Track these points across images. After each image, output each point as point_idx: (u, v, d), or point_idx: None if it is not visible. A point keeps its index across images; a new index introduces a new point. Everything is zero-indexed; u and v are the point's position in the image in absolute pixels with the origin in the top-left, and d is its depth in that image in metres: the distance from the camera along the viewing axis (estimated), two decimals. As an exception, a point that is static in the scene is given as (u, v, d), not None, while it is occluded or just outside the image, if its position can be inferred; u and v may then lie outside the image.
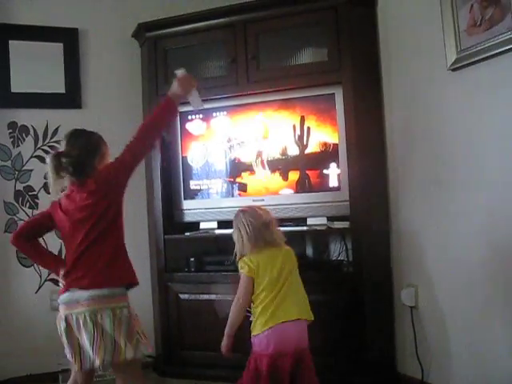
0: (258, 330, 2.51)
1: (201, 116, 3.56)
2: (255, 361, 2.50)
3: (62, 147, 2.34)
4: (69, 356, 2.25)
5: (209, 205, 3.56)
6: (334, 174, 3.24)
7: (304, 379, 2.47)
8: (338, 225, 3.24)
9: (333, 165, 3.23)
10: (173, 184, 3.66)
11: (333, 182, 3.24)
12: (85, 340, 2.18)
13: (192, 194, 3.62)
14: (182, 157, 3.62)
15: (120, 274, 2.27)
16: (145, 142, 2.33)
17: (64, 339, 2.23)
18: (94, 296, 2.18)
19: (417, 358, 3.06)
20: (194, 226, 3.61)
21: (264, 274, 2.54)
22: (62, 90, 3.73)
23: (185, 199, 3.62)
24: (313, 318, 2.59)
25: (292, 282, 2.57)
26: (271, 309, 2.50)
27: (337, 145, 3.22)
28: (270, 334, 2.48)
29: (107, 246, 2.25)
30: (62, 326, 2.23)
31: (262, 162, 3.43)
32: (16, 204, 3.64)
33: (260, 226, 2.59)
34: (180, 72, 2.48)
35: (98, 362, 2.16)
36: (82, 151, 2.28)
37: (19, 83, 3.65)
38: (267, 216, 2.64)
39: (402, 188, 3.19)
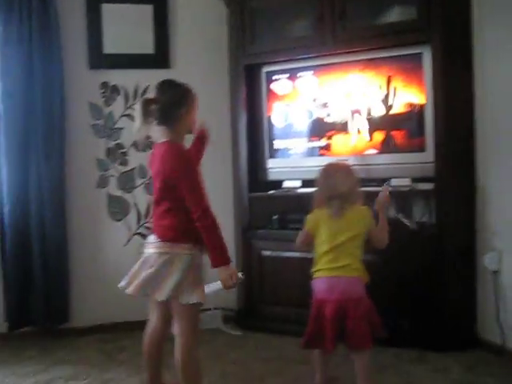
0: (314, 276, 2.62)
1: (287, 75, 3.59)
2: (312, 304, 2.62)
3: (152, 95, 2.47)
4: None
5: (292, 164, 3.61)
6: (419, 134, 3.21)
7: (347, 328, 2.48)
8: (421, 186, 3.22)
9: (418, 126, 3.20)
10: (257, 143, 3.72)
11: (418, 143, 3.21)
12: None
13: (276, 153, 3.67)
14: (267, 116, 3.67)
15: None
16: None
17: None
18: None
19: (498, 323, 3.03)
20: (278, 184, 3.67)
21: (322, 229, 2.59)
22: (151, 51, 3.83)
23: (269, 158, 3.68)
24: (367, 279, 2.59)
25: (351, 244, 2.57)
26: (324, 261, 2.57)
27: (423, 105, 3.18)
28: (318, 281, 2.58)
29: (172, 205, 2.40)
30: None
31: (347, 122, 3.43)
32: (107, 161, 3.81)
33: (332, 193, 2.58)
34: (240, 275, 2.49)
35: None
36: (169, 100, 2.40)
37: (111, 45, 3.78)
38: (343, 187, 2.57)
39: (490, 151, 3.12)
